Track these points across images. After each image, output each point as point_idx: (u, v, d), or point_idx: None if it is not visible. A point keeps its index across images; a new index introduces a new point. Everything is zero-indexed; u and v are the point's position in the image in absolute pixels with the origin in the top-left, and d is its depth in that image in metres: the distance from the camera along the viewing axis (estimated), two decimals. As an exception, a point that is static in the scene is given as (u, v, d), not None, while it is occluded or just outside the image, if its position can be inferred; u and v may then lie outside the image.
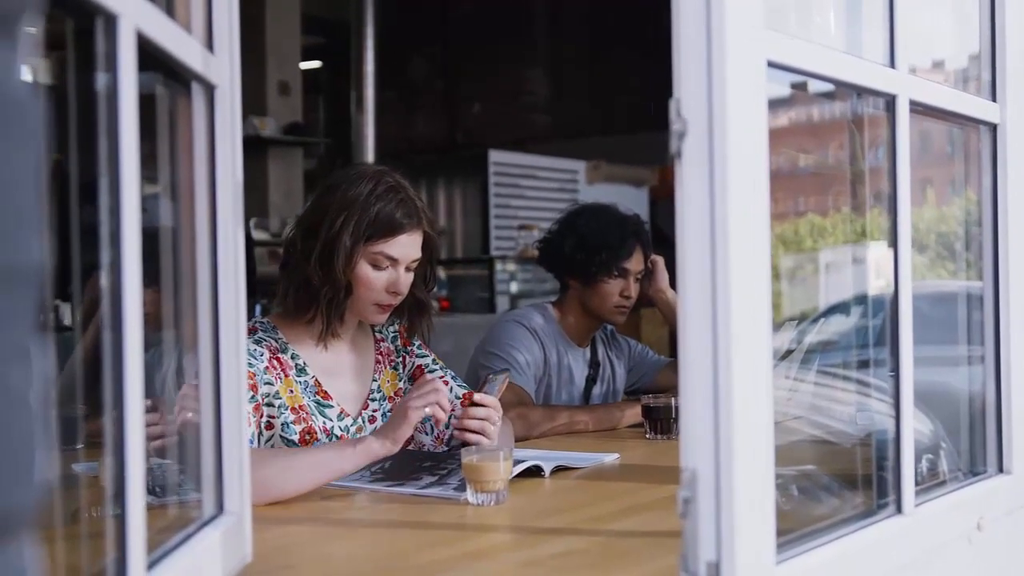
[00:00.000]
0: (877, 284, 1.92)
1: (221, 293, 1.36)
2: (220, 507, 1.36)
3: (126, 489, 1.00)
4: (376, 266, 2.17)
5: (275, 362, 2.16)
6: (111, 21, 0.99)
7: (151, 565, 1.08)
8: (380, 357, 2.35)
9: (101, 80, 1.01)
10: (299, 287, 2.18)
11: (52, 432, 0.62)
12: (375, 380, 2.32)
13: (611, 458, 2.34)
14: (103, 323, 1.02)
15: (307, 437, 2.14)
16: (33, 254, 0.58)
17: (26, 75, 0.60)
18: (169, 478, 1.46)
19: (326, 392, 2.21)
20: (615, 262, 2.97)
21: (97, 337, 1.05)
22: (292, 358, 2.20)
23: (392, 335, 2.40)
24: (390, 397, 2.33)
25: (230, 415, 1.37)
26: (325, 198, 2.18)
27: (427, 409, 1.93)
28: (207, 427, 1.36)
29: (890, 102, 1.51)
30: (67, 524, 1.18)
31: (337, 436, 2.19)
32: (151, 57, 1.11)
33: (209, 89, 1.34)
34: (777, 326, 1.70)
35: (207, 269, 1.35)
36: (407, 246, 2.18)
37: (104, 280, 1.01)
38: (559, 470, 2.17)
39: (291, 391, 2.16)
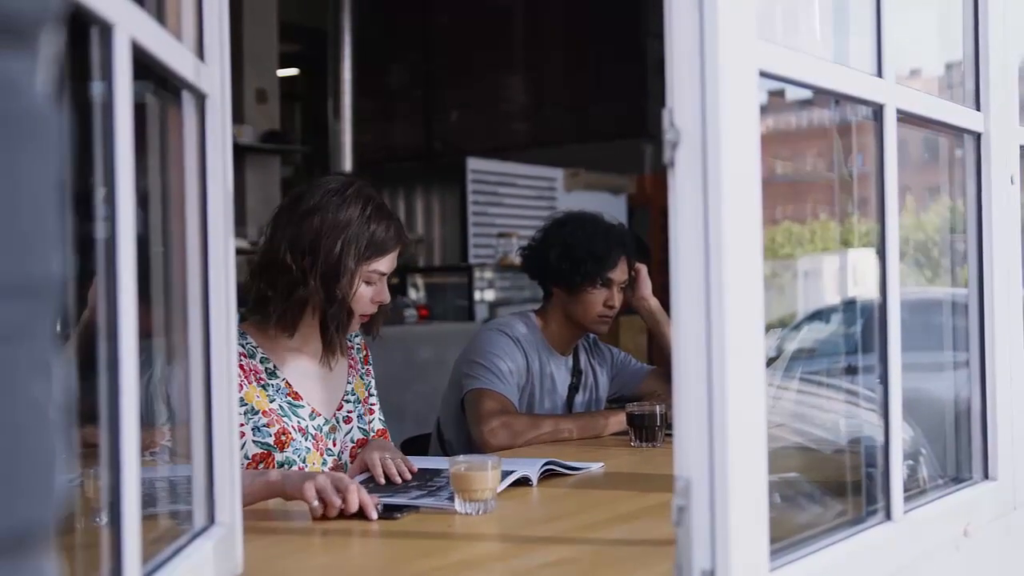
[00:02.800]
0: (857, 291, 1.93)
1: (212, 303, 1.35)
2: (211, 518, 1.36)
3: (122, 501, 0.99)
4: (368, 282, 2.26)
5: (238, 369, 2.18)
6: (106, 30, 0.99)
7: (145, 577, 1.07)
8: (352, 362, 2.43)
9: (96, 89, 1.00)
10: (297, 306, 2.22)
11: (71, 444, 0.62)
12: (349, 383, 2.40)
13: (597, 467, 2.34)
14: (95, 331, 1.01)
15: (282, 438, 2.20)
16: (54, 267, 0.58)
17: (45, 87, 0.59)
18: (156, 489, 1.45)
19: (297, 393, 2.27)
20: (600, 272, 2.97)
21: (80, 344, 1.05)
22: (262, 362, 2.25)
23: (357, 347, 2.47)
24: (363, 400, 2.41)
25: (221, 427, 1.36)
26: (312, 219, 2.21)
27: (315, 503, 1.82)
28: (198, 439, 1.35)
29: (877, 111, 1.52)
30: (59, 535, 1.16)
31: (312, 435, 2.25)
32: (142, 66, 1.11)
33: (200, 98, 1.33)
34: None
35: (198, 279, 1.34)
36: (393, 260, 2.30)
37: (96, 289, 1.01)
38: (548, 475, 2.17)
39: (258, 396, 2.20)
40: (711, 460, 1.15)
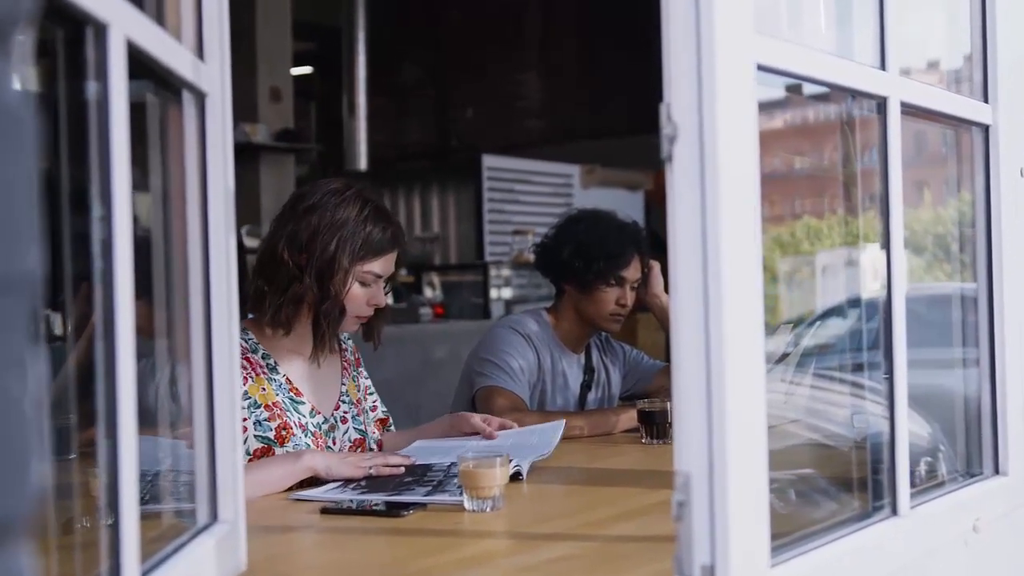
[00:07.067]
0: (873, 287, 1.92)
1: (214, 302, 1.36)
2: (214, 515, 1.36)
3: (120, 499, 1.00)
4: (363, 283, 2.29)
5: (244, 362, 2.21)
6: (101, 30, 0.99)
7: (145, 573, 1.08)
8: (346, 364, 2.47)
9: (91, 88, 1.01)
10: (292, 302, 2.26)
11: (47, 440, 0.62)
12: (343, 384, 2.44)
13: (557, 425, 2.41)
14: (95, 332, 1.02)
15: (283, 432, 2.22)
16: (28, 262, 0.59)
17: (18, 84, 0.60)
18: (161, 487, 1.46)
19: (298, 390, 2.31)
20: (613, 271, 2.96)
21: (88, 346, 1.05)
22: (263, 358, 2.29)
23: (348, 349, 2.52)
24: (356, 402, 2.45)
25: (223, 423, 1.37)
26: (311, 217, 2.25)
27: (372, 471, 2.11)
28: (201, 436, 1.35)
29: (881, 104, 1.51)
30: (60, 534, 1.17)
31: (312, 432, 2.28)
32: (141, 65, 1.11)
33: (200, 97, 1.34)
34: (773, 329, 1.70)
35: (199, 278, 1.35)
36: (390, 263, 2.34)
37: (95, 289, 1.01)
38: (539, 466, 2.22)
39: (263, 389, 2.24)
40: (710, 455, 1.15)
